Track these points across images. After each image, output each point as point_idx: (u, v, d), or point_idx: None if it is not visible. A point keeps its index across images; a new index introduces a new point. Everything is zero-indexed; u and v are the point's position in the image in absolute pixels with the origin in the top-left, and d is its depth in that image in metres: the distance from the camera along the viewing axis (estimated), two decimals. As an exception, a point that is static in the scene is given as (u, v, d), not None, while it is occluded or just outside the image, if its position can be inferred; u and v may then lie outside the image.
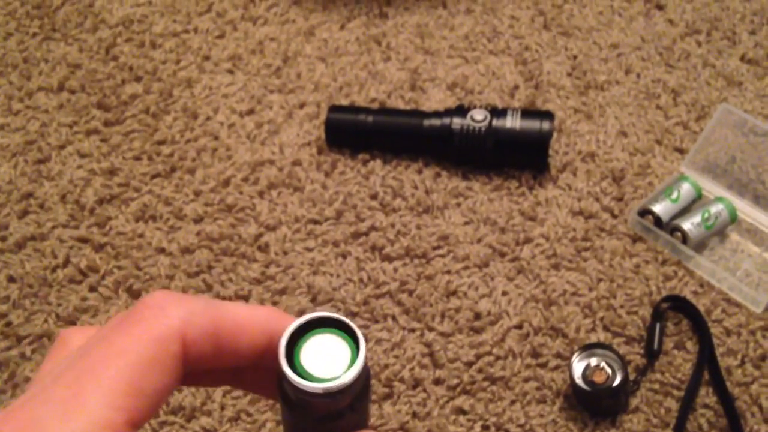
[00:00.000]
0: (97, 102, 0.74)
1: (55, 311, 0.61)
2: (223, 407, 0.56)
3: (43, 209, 0.67)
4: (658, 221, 0.64)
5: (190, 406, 0.56)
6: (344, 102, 0.75)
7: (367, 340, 0.24)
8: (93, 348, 0.21)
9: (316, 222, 0.67)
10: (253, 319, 0.24)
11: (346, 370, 0.23)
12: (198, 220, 0.67)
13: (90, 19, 0.81)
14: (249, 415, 0.56)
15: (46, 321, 0.60)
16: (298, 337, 0.24)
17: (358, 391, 0.24)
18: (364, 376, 0.24)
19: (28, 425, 0.20)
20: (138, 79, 0.76)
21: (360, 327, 0.60)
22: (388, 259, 0.64)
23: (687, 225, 0.63)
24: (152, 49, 0.79)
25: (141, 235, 0.65)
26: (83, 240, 0.65)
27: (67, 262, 0.64)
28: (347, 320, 0.25)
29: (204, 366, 0.23)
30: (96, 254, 0.64)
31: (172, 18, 0.82)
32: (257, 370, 0.26)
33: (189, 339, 0.22)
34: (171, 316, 0.22)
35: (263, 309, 0.25)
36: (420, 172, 0.70)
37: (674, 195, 0.65)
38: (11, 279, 0.63)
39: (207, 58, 0.78)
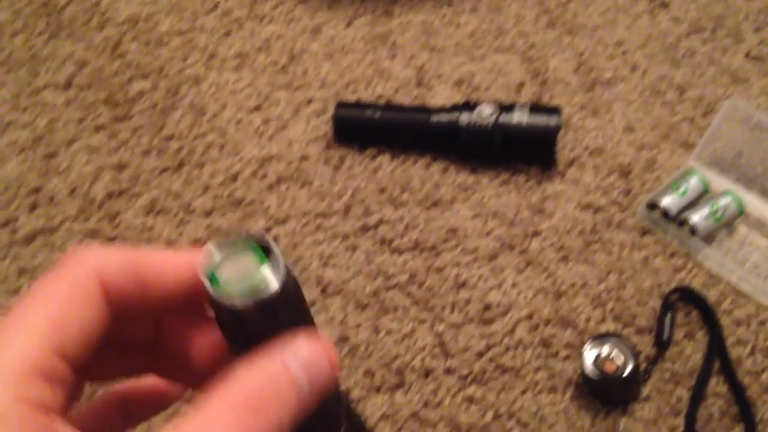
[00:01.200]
0: (104, 98, 0.74)
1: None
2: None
3: (53, 203, 0.67)
4: (666, 214, 0.64)
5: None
6: (351, 99, 0.75)
7: (283, 254, 0.25)
8: (20, 301, 0.23)
9: (324, 216, 0.67)
10: (175, 259, 0.26)
11: (266, 282, 0.24)
12: (207, 214, 0.67)
13: (96, 17, 0.82)
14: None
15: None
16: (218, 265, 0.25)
17: (288, 298, 0.24)
18: (288, 283, 0.24)
19: None
20: (145, 77, 0.77)
21: (370, 318, 0.60)
22: (398, 251, 0.65)
23: (695, 218, 0.63)
24: (159, 47, 0.79)
25: (150, 229, 0.65)
26: (93, 233, 0.65)
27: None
28: (258, 235, 0.25)
29: (132, 304, 0.25)
30: (105, 247, 0.64)
31: (178, 16, 0.82)
32: (184, 326, 0.27)
33: (107, 277, 0.24)
34: (86, 261, 0.24)
35: (186, 251, 0.26)
36: (428, 167, 0.70)
37: (682, 188, 0.65)
38: (21, 271, 0.63)
39: (213, 55, 0.79)
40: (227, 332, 0.26)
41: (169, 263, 0.25)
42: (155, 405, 0.30)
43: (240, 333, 0.25)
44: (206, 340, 0.27)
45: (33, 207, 0.67)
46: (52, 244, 0.64)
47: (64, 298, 0.23)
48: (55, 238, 0.65)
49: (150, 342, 0.28)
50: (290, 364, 0.24)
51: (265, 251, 0.25)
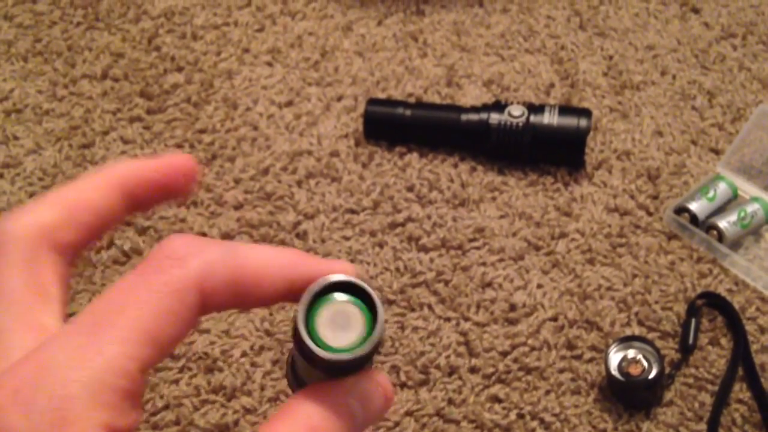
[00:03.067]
0: (139, 90, 0.76)
1: (99, 291, 0.62)
2: (263, 387, 0.57)
3: (88, 192, 0.68)
4: (694, 219, 0.64)
5: (231, 386, 0.57)
6: (381, 96, 0.76)
7: (383, 305, 0.25)
8: (111, 295, 0.22)
9: (353, 212, 0.68)
10: (274, 265, 0.24)
11: (360, 344, 0.24)
12: (238, 207, 0.68)
13: (133, 9, 0.83)
14: (288, 396, 0.57)
15: (90, 300, 0.62)
16: (317, 297, 0.24)
17: (369, 354, 0.25)
18: (378, 343, 0.25)
19: (44, 369, 0.20)
20: (179, 70, 0.78)
21: (396, 315, 0.61)
22: (425, 249, 0.65)
23: (723, 223, 0.63)
24: (193, 41, 0.80)
25: (183, 220, 0.67)
26: (127, 223, 0.66)
27: (111, 244, 0.65)
28: (367, 287, 0.25)
29: (222, 309, 0.24)
30: (139, 237, 0.65)
31: (213, 11, 0.83)
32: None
33: (207, 289, 0.22)
34: (190, 268, 0.22)
35: (286, 252, 0.24)
36: (456, 166, 0.71)
37: (710, 194, 0.65)
38: (56, 258, 0.64)
39: (247, 50, 0.80)
40: (301, 366, 0.26)
41: (267, 272, 0.24)
42: (161, 196, 0.27)
43: (317, 372, 0.25)
44: None
45: (69, 196, 0.68)
46: (87, 233, 0.66)
47: (162, 308, 0.21)
48: (90, 227, 0.66)
49: None
50: (352, 402, 0.24)
51: (368, 303, 0.25)
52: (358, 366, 0.25)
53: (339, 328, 0.24)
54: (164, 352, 0.22)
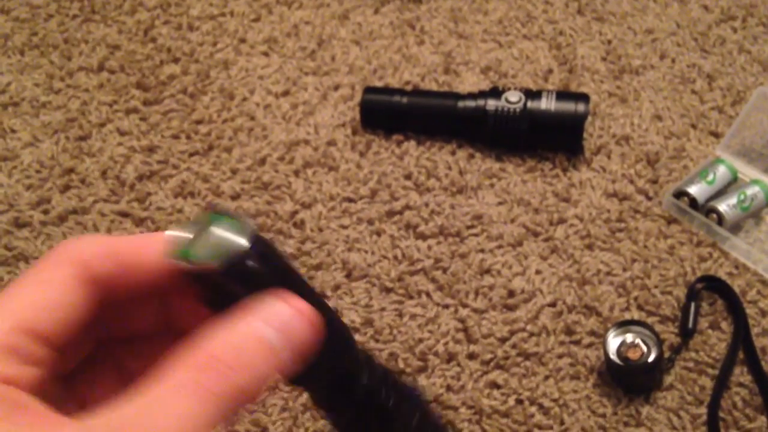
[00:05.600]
0: (136, 82, 0.75)
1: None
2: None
3: (85, 184, 0.68)
4: (693, 203, 0.64)
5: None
6: (378, 84, 0.76)
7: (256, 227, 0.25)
8: (9, 286, 0.24)
9: (350, 200, 0.67)
10: (152, 240, 0.26)
11: (235, 242, 0.24)
12: (235, 197, 0.68)
13: (128, 1, 0.83)
14: (286, 384, 0.57)
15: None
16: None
17: (261, 256, 0.24)
18: (260, 242, 0.24)
19: None
20: (176, 61, 0.78)
21: (394, 302, 0.61)
22: (422, 237, 0.65)
23: (723, 207, 0.63)
24: (189, 32, 0.80)
25: (180, 211, 0.67)
26: (124, 214, 0.66)
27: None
28: (219, 208, 0.25)
29: (117, 285, 0.25)
30: (137, 228, 0.65)
31: (209, 1, 0.83)
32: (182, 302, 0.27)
33: (88, 261, 0.24)
34: (66, 249, 0.25)
35: (162, 233, 0.26)
36: (454, 153, 0.71)
37: (710, 177, 0.65)
38: (54, 250, 0.64)
39: (243, 40, 0.80)
40: (209, 305, 0.25)
41: (146, 245, 0.26)
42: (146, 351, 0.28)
43: (219, 301, 0.24)
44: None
45: (66, 188, 0.68)
46: (84, 225, 0.66)
47: (41, 282, 0.24)
48: (87, 219, 0.66)
49: (164, 329, 0.28)
50: (257, 324, 0.23)
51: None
52: (247, 279, 0.24)
53: (213, 245, 0.24)
54: (60, 317, 0.24)
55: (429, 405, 0.30)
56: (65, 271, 0.24)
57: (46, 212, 0.66)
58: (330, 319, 0.26)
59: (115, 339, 0.28)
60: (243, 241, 0.24)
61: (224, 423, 0.22)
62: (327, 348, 0.25)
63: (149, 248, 0.25)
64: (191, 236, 0.24)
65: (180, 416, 0.21)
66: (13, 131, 0.72)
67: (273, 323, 0.23)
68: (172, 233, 0.24)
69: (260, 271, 0.24)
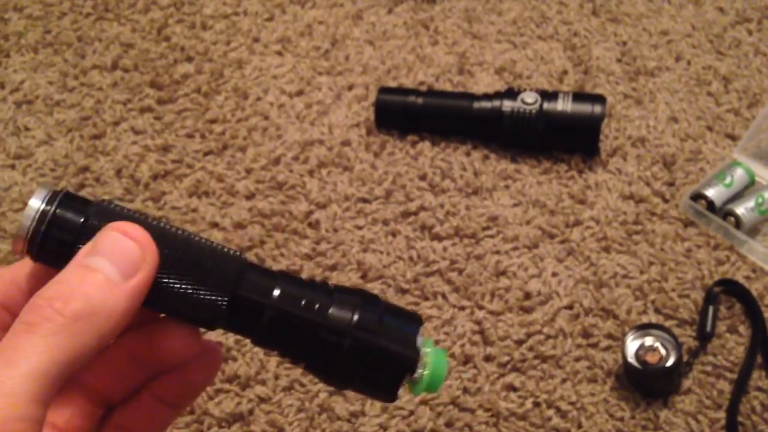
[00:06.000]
0: (150, 81, 0.75)
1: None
2: (277, 377, 0.57)
3: (99, 183, 0.68)
4: (711, 206, 0.64)
5: (245, 375, 0.57)
6: (392, 85, 0.75)
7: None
8: None
9: (365, 201, 0.67)
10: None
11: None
12: (250, 196, 0.67)
13: (142, 0, 0.82)
14: (302, 385, 0.57)
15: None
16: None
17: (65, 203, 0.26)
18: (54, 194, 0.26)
19: None
20: (189, 60, 0.77)
21: (410, 304, 0.61)
22: (438, 238, 0.65)
23: (740, 210, 0.62)
24: (203, 31, 0.80)
25: (195, 210, 0.66)
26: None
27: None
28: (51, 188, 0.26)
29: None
30: (151, 227, 0.65)
31: (222, 0, 0.83)
32: None
33: None
34: None
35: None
36: (468, 154, 0.70)
37: (727, 180, 0.64)
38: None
39: (257, 40, 0.79)
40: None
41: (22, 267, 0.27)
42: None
43: (54, 260, 0.26)
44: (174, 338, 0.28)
45: (81, 186, 0.68)
46: (99, 224, 0.65)
47: None
48: (102, 218, 0.66)
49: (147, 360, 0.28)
50: (89, 259, 0.25)
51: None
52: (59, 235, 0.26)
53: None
54: None
55: (380, 300, 0.29)
56: None
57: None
58: (169, 236, 0.27)
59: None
60: (36, 201, 0.26)
61: (87, 348, 0.23)
62: (174, 263, 0.26)
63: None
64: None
65: (35, 355, 0.22)
66: (28, 129, 0.72)
67: (92, 248, 0.25)
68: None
69: (71, 221, 0.26)
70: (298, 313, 0.27)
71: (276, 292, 0.27)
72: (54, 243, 0.26)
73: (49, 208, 0.26)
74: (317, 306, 0.27)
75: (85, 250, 0.25)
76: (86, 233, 0.26)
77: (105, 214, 0.26)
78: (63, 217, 0.26)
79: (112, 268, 0.24)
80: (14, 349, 0.23)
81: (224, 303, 0.27)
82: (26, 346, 0.23)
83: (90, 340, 0.23)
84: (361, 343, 0.27)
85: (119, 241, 0.25)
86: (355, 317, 0.27)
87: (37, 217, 0.25)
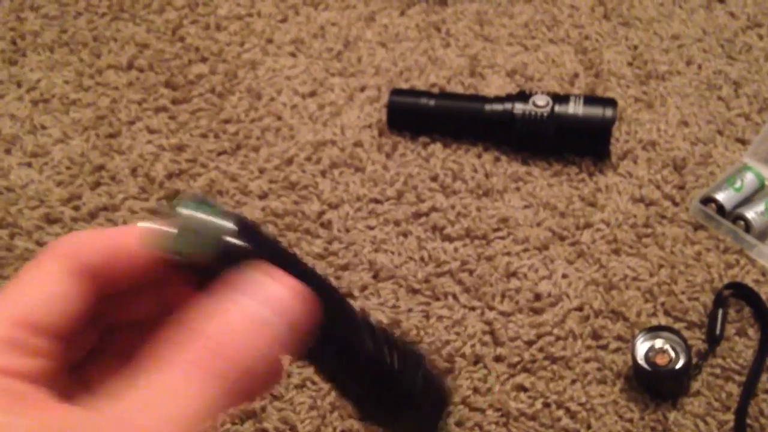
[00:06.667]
0: (164, 81, 0.76)
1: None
2: (289, 375, 0.58)
3: (115, 181, 0.69)
4: (721, 210, 0.64)
5: (258, 373, 0.57)
6: (404, 86, 0.76)
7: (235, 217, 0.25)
8: (6, 284, 0.25)
9: (377, 201, 0.68)
10: (138, 228, 0.26)
11: (221, 226, 0.24)
12: (263, 196, 0.68)
13: (157, 0, 0.83)
14: (314, 383, 0.57)
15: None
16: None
17: (249, 237, 0.24)
18: (246, 225, 0.25)
19: None
20: (204, 60, 0.78)
21: (421, 304, 0.61)
22: (449, 239, 0.65)
23: (750, 214, 0.63)
24: (217, 32, 0.81)
25: (208, 209, 0.67)
26: (154, 211, 0.67)
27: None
28: (193, 195, 0.26)
29: (108, 273, 0.25)
30: (165, 225, 0.66)
31: (236, 1, 0.83)
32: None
33: (82, 254, 0.25)
34: (59, 245, 0.25)
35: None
36: (480, 156, 0.71)
37: (738, 184, 0.65)
38: (84, 247, 0.65)
39: (270, 41, 0.80)
40: (203, 290, 0.25)
41: (133, 234, 0.26)
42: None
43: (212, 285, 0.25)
44: None
45: (96, 184, 0.69)
46: (115, 221, 0.66)
47: (36, 277, 0.24)
48: (117, 216, 0.67)
49: (165, 314, 0.27)
50: (252, 304, 0.23)
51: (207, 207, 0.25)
52: (232, 263, 0.24)
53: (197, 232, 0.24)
54: (58, 309, 0.24)
55: (428, 360, 0.31)
56: (58, 265, 0.25)
57: (76, 208, 0.67)
58: (326, 292, 0.26)
59: (119, 327, 0.28)
60: (228, 226, 0.24)
61: (232, 405, 0.22)
62: (327, 321, 0.25)
63: (136, 237, 0.25)
64: (173, 227, 0.24)
65: (189, 401, 0.21)
66: (44, 128, 0.73)
67: (267, 302, 0.24)
68: (149, 225, 0.24)
69: (249, 253, 0.24)
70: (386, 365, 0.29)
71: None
72: (228, 269, 0.24)
73: (234, 230, 0.24)
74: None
75: (259, 298, 0.24)
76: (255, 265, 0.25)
77: (274, 254, 0.25)
78: (242, 249, 0.24)
79: (285, 331, 0.24)
80: (166, 383, 0.21)
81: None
82: (181, 387, 0.21)
83: (242, 399, 0.22)
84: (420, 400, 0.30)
85: (294, 304, 0.24)
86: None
87: (226, 239, 0.24)
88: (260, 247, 0.25)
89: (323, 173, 0.70)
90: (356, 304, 0.62)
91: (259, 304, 0.23)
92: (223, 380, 0.22)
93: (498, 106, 0.70)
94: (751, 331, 0.59)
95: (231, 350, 0.22)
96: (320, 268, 0.64)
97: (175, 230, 0.24)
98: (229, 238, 0.24)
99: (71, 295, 0.25)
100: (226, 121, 0.73)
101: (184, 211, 0.24)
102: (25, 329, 0.23)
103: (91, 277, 0.25)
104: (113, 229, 0.27)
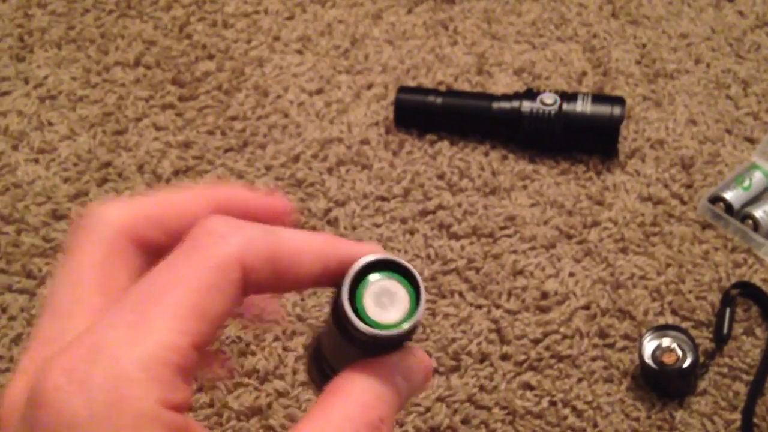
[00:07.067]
0: (171, 78, 0.76)
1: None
2: (295, 372, 0.58)
3: (122, 178, 0.69)
4: (729, 208, 0.64)
5: (264, 370, 0.57)
6: (411, 84, 0.76)
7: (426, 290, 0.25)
8: (156, 274, 0.22)
9: (384, 199, 0.68)
10: (310, 246, 0.24)
11: (406, 319, 0.24)
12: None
13: (164, -2, 0.83)
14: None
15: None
16: (360, 276, 0.24)
17: (413, 330, 0.25)
18: (420, 319, 0.25)
19: (95, 350, 0.20)
20: (211, 57, 0.78)
21: (427, 302, 0.61)
22: (455, 237, 0.65)
23: (759, 212, 0.63)
24: (224, 29, 0.81)
25: (215, 206, 0.67)
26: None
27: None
28: (410, 266, 0.25)
29: (262, 290, 0.23)
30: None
31: (244, -1, 0.83)
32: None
33: (248, 265, 0.22)
34: (231, 244, 0.22)
35: (320, 236, 0.25)
36: (487, 154, 0.71)
37: (746, 183, 0.65)
38: (91, 243, 0.65)
39: (277, 38, 0.80)
40: (334, 350, 0.26)
41: (303, 251, 0.24)
42: None
43: (357, 352, 0.25)
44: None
45: (103, 181, 0.69)
46: (121, 218, 0.66)
47: (206, 283, 0.21)
48: (124, 212, 0.67)
49: None
50: (398, 378, 0.24)
51: (410, 281, 0.25)
52: (401, 342, 0.25)
53: (384, 306, 0.24)
54: (213, 327, 0.22)
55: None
56: (231, 274, 0.22)
57: (83, 205, 0.67)
58: None
59: None
60: (412, 323, 0.24)
61: None
62: None
63: (307, 258, 0.24)
64: (367, 280, 0.24)
65: None
66: (51, 124, 0.73)
67: (405, 374, 0.25)
68: (351, 275, 0.24)
69: (407, 339, 0.25)
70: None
71: None
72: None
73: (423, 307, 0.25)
74: None
75: (401, 370, 0.25)
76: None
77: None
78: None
79: (407, 400, 0.25)
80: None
81: None
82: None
83: None
84: None
85: (423, 378, 0.26)
86: None
87: (418, 317, 0.24)
88: (407, 339, 0.26)
89: (330, 171, 0.70)
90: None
91: (403, 378, 0.25)
92: None
93: (505, 104, 0.70)
94: (758, 331, 0.59)
95: (377, 416, 0.23)
96: (326, 265, 0.64)
97: (367, 296, 0.24)
98: (418, 318, 0.24)
99: (232, 310, 0.22)
100: (233, 118, 0.73)
101: (384, 281, 0.24)
102: (194, 350, 0.21)
103: (252, 290, 0.23)
104: (290, 237, 0.24)
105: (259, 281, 0.23)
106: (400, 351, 0.25)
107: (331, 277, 0.24)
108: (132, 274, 0.23)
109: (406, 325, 0.24)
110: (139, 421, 0.19)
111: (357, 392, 0.23)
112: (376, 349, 0.25)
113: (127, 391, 0.19)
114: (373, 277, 0.24)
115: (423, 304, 0.24)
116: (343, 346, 0.25)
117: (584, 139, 0.68)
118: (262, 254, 0.23)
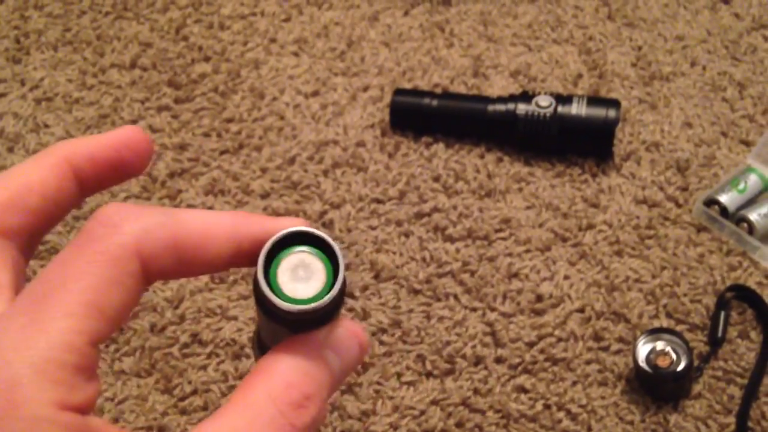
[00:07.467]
0: (167, 80, 0.76)
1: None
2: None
3: (117, 180, 0.69)
4: (724, 211, 0.64)
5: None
6: (407, 86, 0.76)
7: (344, 257, 0.25)
8: (49, 272, 0.21)
9: (379, 201, 0.68)
10: (217, 228, 0.23)
11: (325, 293, 0.23)
12: (265, 195, 0.68)
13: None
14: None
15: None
16: (275, 251, 0.24)
17: (333, 305, 0.24)
18: (341, 293, 0.24)
19: None
20: (207, 59, 0.78)
21: (422, 304, 0.61)
22: (450, 239, 0.65)
23: (754, 216, 0.62)
24: (221, 31, 0.81)
25: (210, 208, 0.67)
26: (155, 210, 0.67)
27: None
28: (326, 237, 0.24)
29: (169, 277, 0.23)
30: (167, 224, 0.66)
31: (240, 1, 0.83)
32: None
33: (146, 255, 0.21)
34: (125, 233, 0.21)
35: (228, 215, 0.24)
36: (482, 156, 0.71)
37: (741, 186, 0.65)
38: (86, 245, 0.65)
39: (273, 40, 0.80)
40: (265, 329, 0.26)
41: (210, 234, 0.23)
42: (115, 175, 0.26)
43: (283, 330, 0.24)
44: None
45: (98, 183, 0.69)
46: (116, 220, 0.66)
47: (102, 278, 0.21)
48: (119, 215, 0.67)
49: None
50: (327, 353, 0.24)
51: (328, 254, 0.24)
52: (325, 317, 0.24)
53: (301, 280, 0.24)
54: (113, 322, 0.21)
55: None
56: (127, 266, 0.21)
57: (78, 207, 0.67)
58: None
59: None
60: (328, 298, 0.23)
61: None
62: None
63: (213, 242, 0.23)
64: (281, 254, 0.24)
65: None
66: (47, 126, 0.73)
67: (335, 348, 0.24)
68: (264, 251, 0.23)
69: (333, 311, 0.24)
70: None
71: None
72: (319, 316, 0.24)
73: (343, 281, 0.24)
74: None
75: (330, 343, 0.24)
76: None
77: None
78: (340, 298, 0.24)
79: (343, 377, 0.24)
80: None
81: None
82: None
83: None
84: None
85: (356, 350, 0.25)
86: None
87: (339, 290, 0.24)
88: (340, 303, 0.25)
89: (325, 173, 0.70)
90: (357, 305, 0.62)
91: (334, 353, 0.24)
92: (296, 430, 0.22)
93: (501, 107, 0.70)
94: (753, 334, 0.59)
95: (306, 399, 0.23)
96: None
97: (282, 270, 0.24)
98: (339, 291, 0.24)
99: (134, 302, 0.22)
100: (229, 121, 0.73)
101: (299, 254, 0.24)
102: (92, 348, 0.20)
103: (155, 278, 0.22)
104: (192, 220, 0.23)
105: (162, 269, 0.22)
106: (328, 325, 0.24)
107: (248, 257, 0.24)
108: (10, 268, 0.23)
109: (326, 298, 0.23)
110: (34, 425, 0.19)
111: (281, 370, 0.23)
112: (301, 326, 0.24)
113: (19, 396, 0.19)
114: (288, 252, 0.24)
115: (342, 276, 0.24)
116: (272, 327, 0.25)
117: (579, 141, 0.68)
118: (161, 241, 0.22)
